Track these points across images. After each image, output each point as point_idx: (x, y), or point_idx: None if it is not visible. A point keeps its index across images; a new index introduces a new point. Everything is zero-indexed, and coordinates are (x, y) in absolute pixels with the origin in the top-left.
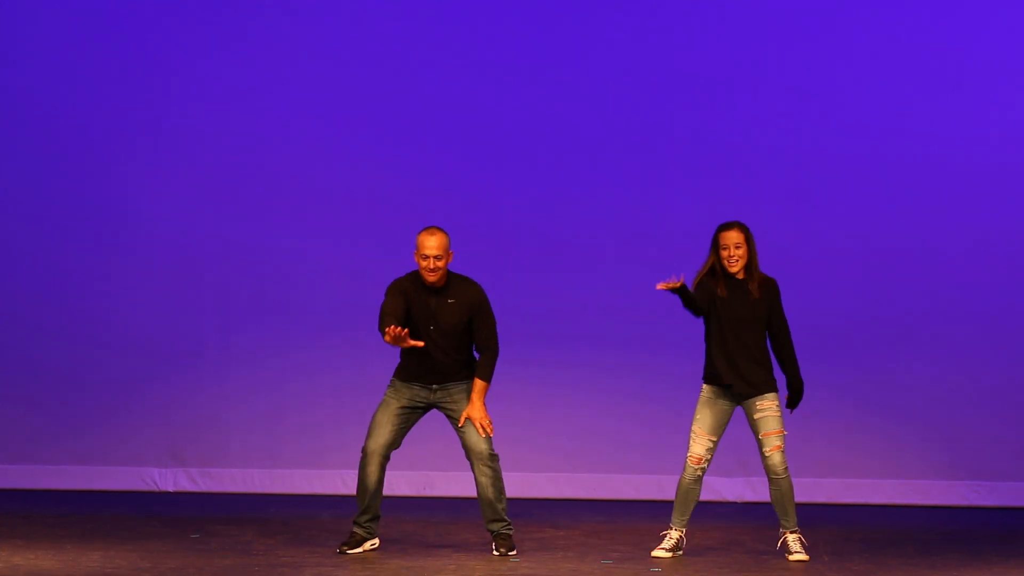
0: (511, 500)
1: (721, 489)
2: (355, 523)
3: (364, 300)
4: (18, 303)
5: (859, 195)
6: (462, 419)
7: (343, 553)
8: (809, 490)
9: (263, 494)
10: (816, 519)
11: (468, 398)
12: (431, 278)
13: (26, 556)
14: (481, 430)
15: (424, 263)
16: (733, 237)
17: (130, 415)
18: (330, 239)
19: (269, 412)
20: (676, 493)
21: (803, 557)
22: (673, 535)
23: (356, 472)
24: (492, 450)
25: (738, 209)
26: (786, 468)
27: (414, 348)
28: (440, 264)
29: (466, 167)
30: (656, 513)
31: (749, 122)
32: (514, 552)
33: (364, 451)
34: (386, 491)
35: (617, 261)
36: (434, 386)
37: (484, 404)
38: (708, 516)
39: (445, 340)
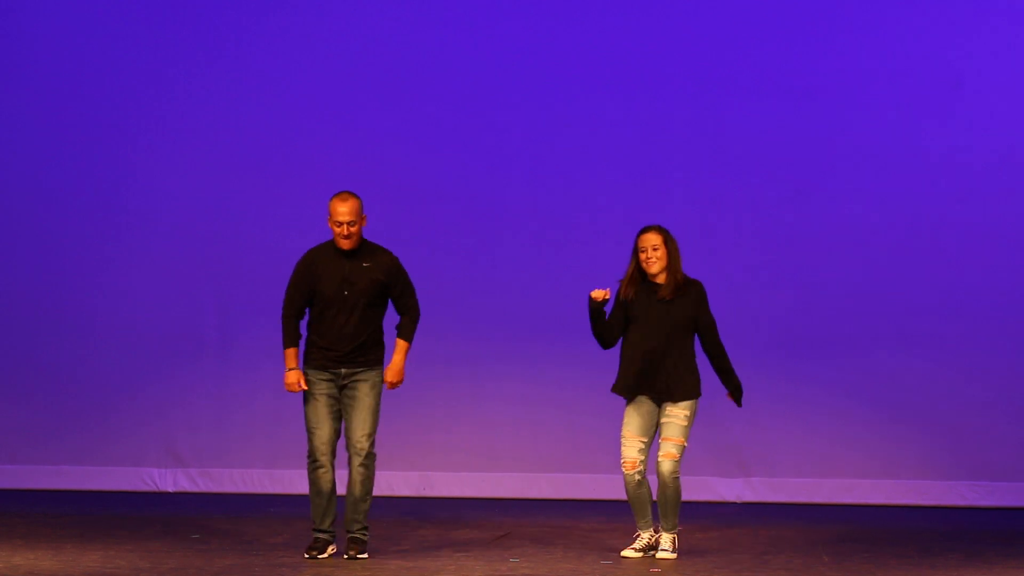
0: (512, 500)
1: (721, 489)
2: (315, 531)
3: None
4: (18, 302)
5: (858, 194)
6: (388, 378)
7: (314, 559)
8: (809, 490)
9: (263, 494)
10: (816, 519)
11: (368, 388)
12: (346, 244)
13: (26, 556)
14: (391, 383)
15: (338, 229)
16: (651, 239)
17: (130, 415)
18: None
19: (269, 412)
20: (628, 498)
21: (669, 555)
22: (644, 536)
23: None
24: (371, 448)
25: (737, 208)
26: (675, 477)
27: (326, 319)
28: (354, 230)
29: (466, 168)
30: (656, 514)
31: (749, 122)
32: (365, 556)
33: (311, 454)
34: (386, 491)
35: (618, 260)
36: (342, 371)
37: (403, 366)
38: (708, 516)
39: (358, 307)
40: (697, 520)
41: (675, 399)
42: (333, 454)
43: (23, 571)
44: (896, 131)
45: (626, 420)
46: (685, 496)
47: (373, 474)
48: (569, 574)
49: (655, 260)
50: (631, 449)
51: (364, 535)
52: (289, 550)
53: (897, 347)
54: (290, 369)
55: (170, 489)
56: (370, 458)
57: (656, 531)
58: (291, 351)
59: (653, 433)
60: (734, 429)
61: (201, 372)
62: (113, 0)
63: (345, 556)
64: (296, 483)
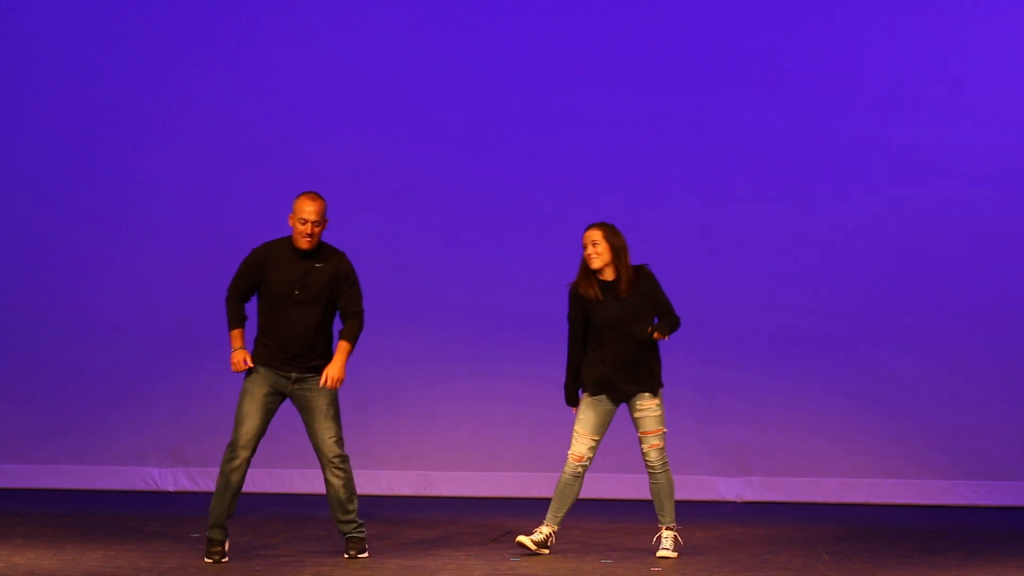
0: (513, 500)
1: (721, 489)
2: (214, 526)
3: (365, 300)
4: (18, 302)
5: (858, 194)
6: (323, 378)
7: (219, 562)
8: (809, 490)
9: (263, 494)
10: (816, 519)
11: (325, 395)
12: (306, 244)
13: (26, 555)
14: (327, 381)
15: (302, 227)
16: (590, 235)
17: (130, 414)
18: (331, 239)
19: None
20: (555, 489)
21: (670, 554)
22: (544, 530)
23: (355, 473)
24: (342, 451)
25: (738, 208)
26: (664, 464)
27: (275, 319)
28: (318, 230)
29: (467, 167)
30: (654, 513)
31: (749, 122)
32: (365, 555)
33: (232, 445)
34: (386, 491)
35: None
36: (293, 375)
37: (344, 365)
38: (708, 516)
39: (309, 307)
40: (697, 519)
41: (640, 393)
42: (253, 450)
43: (23, 570)
44: (897, 131)
45: (581, 417)
46: (685, 495)
47: (351, 475)
48: (569, 574)
49: (595, 256)
50: (582, 446)
51: (361, 533)
52: (289, 550)
53: (897, 346)
54: (235, 349)
55: (171, 489)
56: (344, 461)
57: (556, 532)
58: (236, 332)
59: (603, 434)
60: (734, 428)
61: (202, 371)
62: (113, 0)
63: (346, 556)
64: (296, 483)
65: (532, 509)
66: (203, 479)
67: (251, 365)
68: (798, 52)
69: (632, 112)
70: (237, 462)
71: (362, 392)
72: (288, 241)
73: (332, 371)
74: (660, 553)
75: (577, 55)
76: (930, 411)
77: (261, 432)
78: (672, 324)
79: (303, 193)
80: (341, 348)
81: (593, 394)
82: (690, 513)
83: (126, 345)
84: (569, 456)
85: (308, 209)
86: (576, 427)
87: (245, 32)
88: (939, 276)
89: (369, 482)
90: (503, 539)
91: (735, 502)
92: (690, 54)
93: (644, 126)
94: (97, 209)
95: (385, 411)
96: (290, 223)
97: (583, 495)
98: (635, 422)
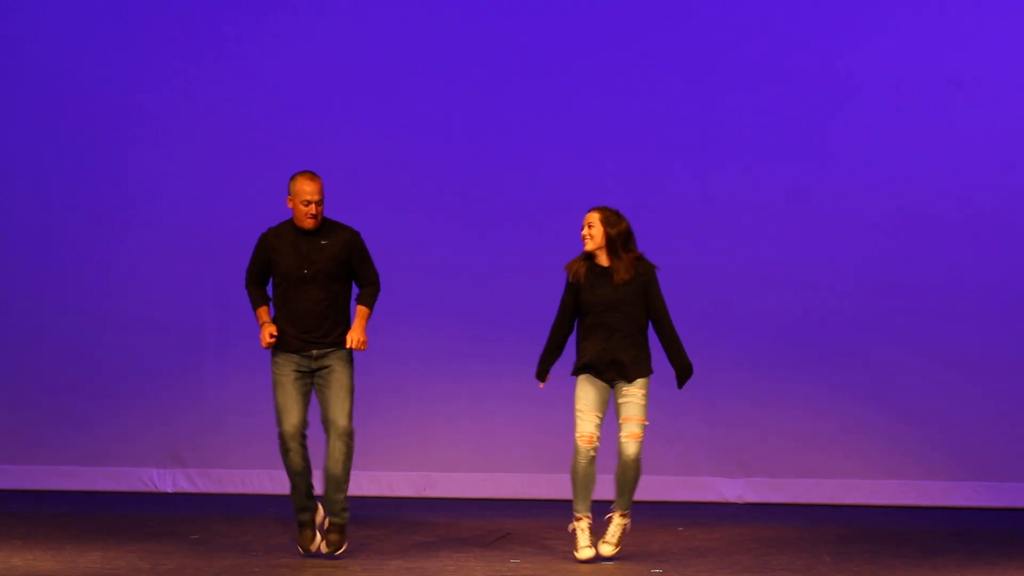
0: (513, 501)
1: (722, 489)
2: (300, 511)
3: None
4: (15, 302)
5: (858, 194)
6: (347, 341)
7: (309, 554)
8: (811, 491)
9: (262, 495)
10: (818, 520)
11: (342, 366)
12: (311, 224)
13: (24, 557)
14: (351, 343)
15: (306, 208)
16: (588, 218)
17: (129, 415)
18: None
19: (268, 413)
20: (573, 480)
21: (610, 551)
22: (583, 527)
23: (355, 474)
24: (351, 427)
25: (738, 206)
26: (637, 460)
27: (289, 300)
28: (320, 209)
29: (467, 165)
30: (658, 514)
31: (748, 120)
32: (344, 548)
33: (281, 437)
34: (386, 491)
35: None
36: (313, 352)
37: (364, 329)
38: (709, 516)
39: (320, 284)
40: (698, 520)
41: (629, 379)
42: (303, 434)
43: (22, 572)
44: (897, 130)
45: (580, 395)
46: (686, 497)
47: (352, 452)
48: (570, 575)
49: (588, 238)
50: (588, 424)
51: (345, 517)
52: (289, 551)
53: (899, 346)
54: (263, 324)
55: (169, 490)
56: (350, 436)
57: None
58: (261, 309)
59: (606, 409)
60: (735, 429)
61: (201, 372)
62: None
63: (324, 548)
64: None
65: (533, 510)
66: (202, 480)
67: (274, 339)
68: (798, 51)
69: (632, 110)
70: (292, 453)
71: (362, 392)
72: (288, 224)
73: (355, 335)
74: (603, 548)
75: (575, 52)
76: (932, 411)
77: (304, 416)
78: (686, 369)
79: (299, 173)
80: (360, 313)
81: (596, 376)
82: (691, 514)
83: (124, 345)
84: (577, 440)
85: (309, 190)
86: (577, 405)
87: (243, 27)
88: (941, 276)
89: (369, 483)
90: (504, 540)
91: (736, 503)
92: (690, 52)
93: (644, 124)
94: (95, 208)
95: (385, 411)
96: (289, 205)
97: None
98: (617, 407)
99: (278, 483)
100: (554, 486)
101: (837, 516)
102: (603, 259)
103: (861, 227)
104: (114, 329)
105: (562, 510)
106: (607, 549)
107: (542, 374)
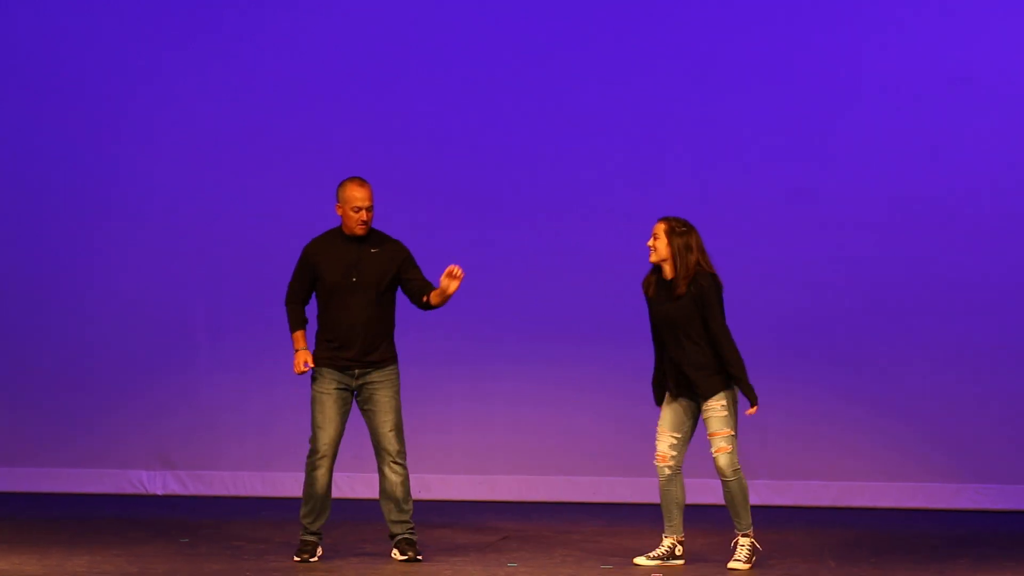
0: (510, 503)
1: (722, 492)
2: (308, 530)
3: None
4: (4, 303)
5: (861, 193)
6: (449, 285)
7: (305, 562)
8: (815, 493)
9: (254, 497)
10: (821, 523)
11: (388, 388)
12: (362, 230)
13: (11, 560)
14: (455, 280)
15: (356, 215)
16: (654, 229)
17: (117, 416)
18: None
19: (260, 414)
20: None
21: (740, 567)
22: (664, 542)
23: (349, 475)
24: (403, 449)
25: (738, 206)
26: (735, 470)
27: (334, 311)
28: (371, 216)
29: (466, 162)
30: (657, 516)
31: (750, 117)
32: (421, 558)
33: (313, 453)
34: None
35: (619, 260)
36: (356, 371)
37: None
38: (710, 520)
39: (368, 294)
40: (699, 524)
41: (705, 396)
42: (334, 455)
43: None
44: (902, 128)
45: (661, 414)
46: (686, 499)
47: (408, 473)
48: None
49: (652, 250)
50: (662, 444)
51: (414, 535)
52: (281, 555)
53: (903, 347)
54: (297, 350)
55: (159, 492)
56: (403, 457)
57: (681, 542)
58: (298, 334)
59: (688, 430)
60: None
61: (191, 372)
62: None
63: (403, 559)
64: (289, 486)
65: (531, 513)
66: (192, 483)
67: (312, 366)
68: (802, 47)
69: (632, 109)
70: (321, 470)
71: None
72: (336, 232)
73: (444, 279)
74: (730, 564)
75: (578, 51)
76: (937, 413)
77: (340, 434)
78: (748, 392)
79: (350, 179)
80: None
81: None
82: (691, 517)
83: (112, 344)
84: (655, 459)
85: (360, 196)
86: (657, 426)
87: (239, 21)
88: (945, 276)
89: (363, 485)
90: (501, 544)
91: None
92: (692, 47)
93: (644, 124)
94: (82, 208)
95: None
96: (338, 212)
97: (583, 498)
98: (705, 423)
99: (270, 485)
100: (552, 489)
101: (840, 519)
102: (667, 271)
103: (863, 227)
104: (102, 328)
105: (560, 513)
106: (735, 565)
107: (656, 399)
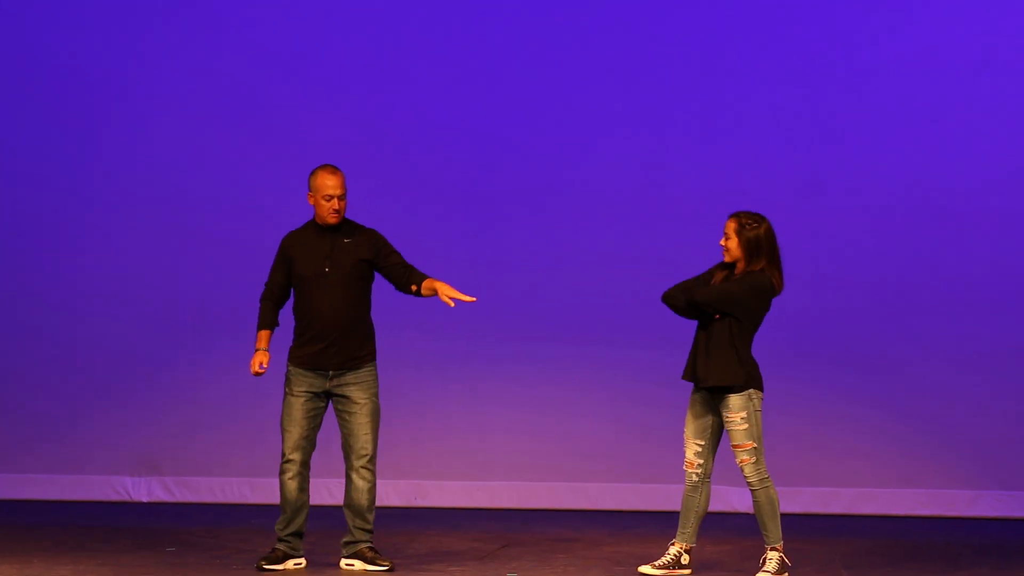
0: (508, 511)
1: (730, 499)
2: (278, 537)
3: None
4: None
5: (877, 185)
6: (446, 298)
7: (262, 569)
8: (826, 500)
9: (243, 504)
10: (834, 531)
11: (364, 391)
12: (334, 219)
13: None
14: (462, 296)
15: (328, 204)
16: (725, 227)
17: (100, 420)
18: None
19: (250, 418)
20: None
21: None
22: (670, 550)
23: (343, 481)
24: (374, 454)
25: (749, 199)
26: (762, 480)
27: (309, 304)
28: (343, 204)
29: (465, 157)
30: (664, 525)
31: (762, 107)
32: (388, 565)
33: (282, 457)
34: (376, 501)
35: (624, 259)
36: (330, 372)
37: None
38: (719, 528)
39: (342, 285)
40: (708, 532)
41: (722, 392)
42: (304, 460)
43: None
44: (919, 117)
45: (687, 419)
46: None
47: (375, 482)
48: None
49: (724, 251)
50: (689, 451)
51: (370, 538)
52: (271, 564)
53: (918, 348)
54: (257, 350)
55: (144, 499)
56: (373, 462)
57: (689, 550)
58: (263, 333)
59: (711, 437)
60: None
61: (177, 374)
62: None
63: (373, 568)
64: (279, 493)
65: (531, 521)
66: (179, 489)
67: (263, 371)
68: (815, 35)
69: (638, 102)
70: (288, 475)
71: None
72: (311, 224)
73: (453, 292)
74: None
75: (583, 42)
76: (954, 416)
77: (309, 439)
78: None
79: (320, 168)
80: (435, 282)
81: (686, 379)
82: (702, 525)
83: (96, 345)
84: (684, 463)
85: (331, 184)
86: (684, 431)
87: (233, 6)
88: (964, 271)
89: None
90: (500, 553)
91: (746, 513)
92: (702, 37)
93: (653, 114)
94: (63, 206)
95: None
96: (311, 202)
97: (586, 505)
98: (727, 435)
99: (259, 492)
100: (554, 495)
101: (853, 527)
102: (739, 268)
103: (875, 221)
104: (85, 328)
105: (562, 521)
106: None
107: (686, 375)
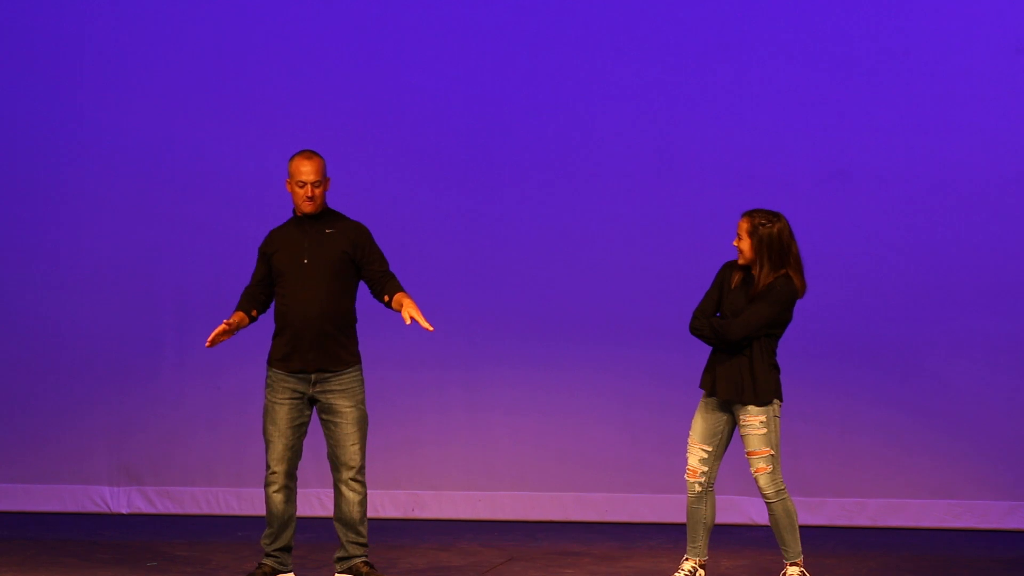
0: (512, 523)
1: (749, 510)
2: (265, 552)
3: None
4: None
5: (906, 175)
6: (406, 316)
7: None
8: (852, 512)
9: (228, 516)
10: (860, 544)
11: (349, 398)
12: (308, 207)
13: None
14: (424, 324)
15: (301, 191)
16: (738, 227)
17: (77, 427)
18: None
19: (235, 426)
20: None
21: None
22: (684, 566)
23: (331, 491)
24: (363, 465)
25: (770, 190)
26: (778, 491)
27: (288, 299)
28: (318, 192)
29: (463, 152)
30: (677, 538)
31: (783, 92)
32: None
33: (266, 468)
34: (371, 513)
35: (637, 253)
36: (312, 377)
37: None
38: (738, 540)
39: (321, 279)
40: (726, 545)
41: (743, 400)
42: (290, 471)
43: None
44: (950, 104)
45: (693, 424)
46: (715, 519)
47: (367, 493)
48: None
49: (738, 251)
50: (693, 457)
51: (366, 552)
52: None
53: (951, 350)
54: (222, 322)
55: (123, 510)
56: (362, 473)
57: (703, 564)
58: (236, 312)
59: (720, 443)
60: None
61: (158, 379)
62: None
63: None
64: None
65: (537, 533)
66: (160, 500)
67: (212, 342)
68: (839, 17)
69: (654, 87)
70: (274, 487)
71: None
72: (291, 217)
73: (419, 317)
74: None
75: (595, 26)
76: (989, 422)
77: (294, 449)
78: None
79: (297, 153)
80: (407, 300)
81: (704, 390)
82: (716, 538)
83: (72, 349)
84: (685, 473)
85: (305, 169)
86: (689, 436)
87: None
88: (998, 270)
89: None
90: (504, 568)
91: (765, 526)
92: (720, 18)
93: (666, 103)
94: (40, 207)
95: (369, 423)
96: (288, 189)
97: (595, 517)
98: (742, 439)
99: (246, 502)
100: (561, 507)
101: (880, 540)
102: (755, 267)
103: (906, 213)
104: (60, 331)
105: (569, 533)
106: None
107: (703, 385)
